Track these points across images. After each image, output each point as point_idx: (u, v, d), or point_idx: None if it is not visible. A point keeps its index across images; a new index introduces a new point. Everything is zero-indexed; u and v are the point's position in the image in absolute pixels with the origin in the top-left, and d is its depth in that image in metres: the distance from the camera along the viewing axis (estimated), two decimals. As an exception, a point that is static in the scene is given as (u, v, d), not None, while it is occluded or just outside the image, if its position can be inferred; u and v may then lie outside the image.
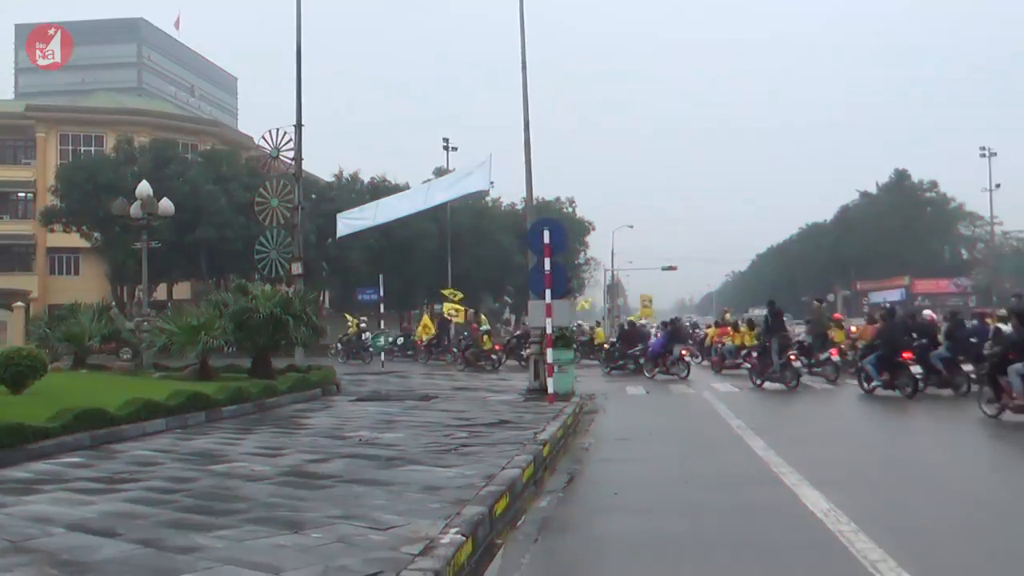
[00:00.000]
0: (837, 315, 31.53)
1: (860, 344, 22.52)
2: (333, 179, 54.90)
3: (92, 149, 53.68)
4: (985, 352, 16.23)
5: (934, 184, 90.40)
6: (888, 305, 23.51)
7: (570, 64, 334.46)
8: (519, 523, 7.44)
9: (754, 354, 22.69)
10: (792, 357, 20.85)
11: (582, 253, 75.14)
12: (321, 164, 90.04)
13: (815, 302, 28.36)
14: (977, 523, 7.30)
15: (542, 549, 6.65)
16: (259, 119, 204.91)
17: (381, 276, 33.33)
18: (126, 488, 8.09)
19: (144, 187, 23.01)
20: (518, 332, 34.47)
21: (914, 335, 18.74)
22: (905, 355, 17.78)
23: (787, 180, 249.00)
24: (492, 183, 21.67)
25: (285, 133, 25.04)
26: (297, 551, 5.73)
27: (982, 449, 12.17)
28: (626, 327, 31.24)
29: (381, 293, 33.25)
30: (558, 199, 71.68)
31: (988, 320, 19.92)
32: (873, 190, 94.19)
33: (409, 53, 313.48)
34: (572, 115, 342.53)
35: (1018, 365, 13.28)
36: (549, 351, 17.07)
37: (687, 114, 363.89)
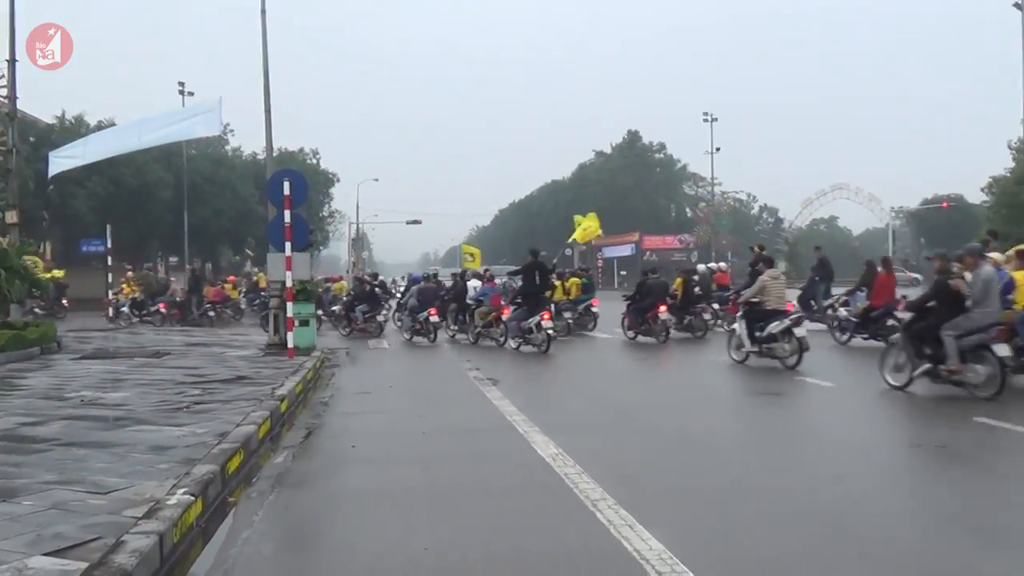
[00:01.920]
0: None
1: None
2: (55, 121, 50.65)
3: None
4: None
5: (663, 146, 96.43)
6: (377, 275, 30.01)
7: (317, 10, 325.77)
8: (254, 480, 7.32)
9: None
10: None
11: (326, 205, 73.93)
12: (42, 104, 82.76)
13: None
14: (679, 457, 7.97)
15: (276, 505, 6.57)
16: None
17: (109, 227, 31.32)
18: None
19: None
20: None
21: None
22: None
23: (529, 139, 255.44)
24: (232, 129, 20.84)
25: (-5, 68, 22.76)
26: (5, 520, 5.34)
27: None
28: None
29: (108, 245, 31.22)
30: (302, 150, 69.92)
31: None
32: (608, 150, 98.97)
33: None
34: (321, 65, 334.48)
35: (452, 305, 22.48)
36: (289, 305, 16.77)
37: (434, 69, 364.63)
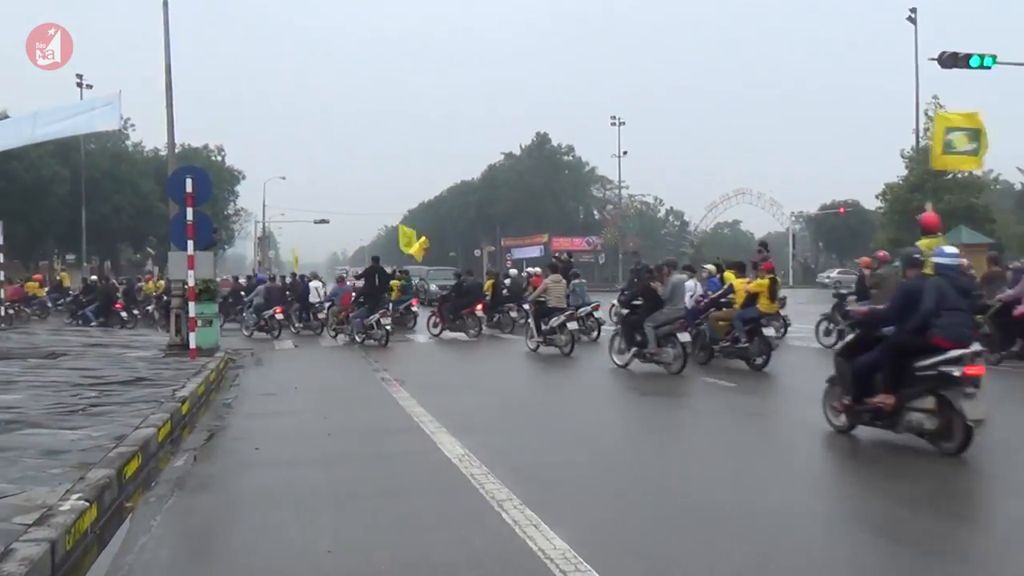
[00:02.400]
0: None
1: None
2: (-59, 112, 48.58)
3: None
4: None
5: (571, 148, 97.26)
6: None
7: (227, 6, 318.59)
8: (153, 484, 7.15)
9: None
10: None
11: (231, 203, 72.67)
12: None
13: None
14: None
15: (175, 509, 6.43)
16: None
17: (1, 223, 30.07)
18: None
19: None
20: None
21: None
22: (118, 305, 27.55)
23: (439, 140, 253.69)
24: (133, 124, 20.20)
25: None
26: None
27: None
28: None
29: (0, 242, 29.96)
30: (206, 146, 68.71)
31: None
32: (517, 151, 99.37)
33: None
34: (227, 60, 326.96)
35: (296, 305, 24.46)
36: (192, 304, 16.39)
37: (346, 67, 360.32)
